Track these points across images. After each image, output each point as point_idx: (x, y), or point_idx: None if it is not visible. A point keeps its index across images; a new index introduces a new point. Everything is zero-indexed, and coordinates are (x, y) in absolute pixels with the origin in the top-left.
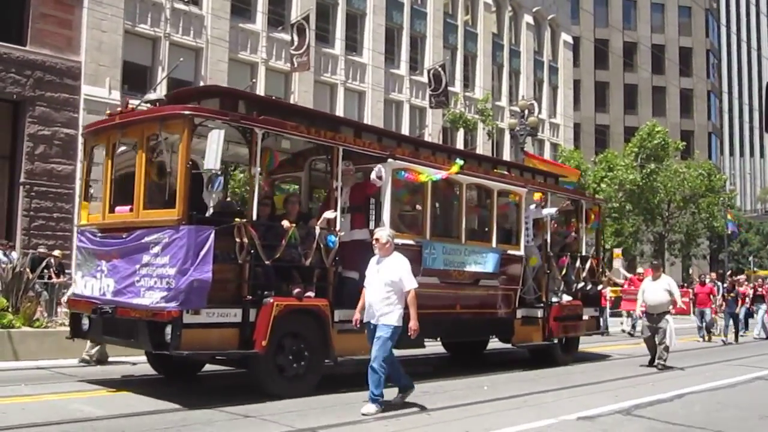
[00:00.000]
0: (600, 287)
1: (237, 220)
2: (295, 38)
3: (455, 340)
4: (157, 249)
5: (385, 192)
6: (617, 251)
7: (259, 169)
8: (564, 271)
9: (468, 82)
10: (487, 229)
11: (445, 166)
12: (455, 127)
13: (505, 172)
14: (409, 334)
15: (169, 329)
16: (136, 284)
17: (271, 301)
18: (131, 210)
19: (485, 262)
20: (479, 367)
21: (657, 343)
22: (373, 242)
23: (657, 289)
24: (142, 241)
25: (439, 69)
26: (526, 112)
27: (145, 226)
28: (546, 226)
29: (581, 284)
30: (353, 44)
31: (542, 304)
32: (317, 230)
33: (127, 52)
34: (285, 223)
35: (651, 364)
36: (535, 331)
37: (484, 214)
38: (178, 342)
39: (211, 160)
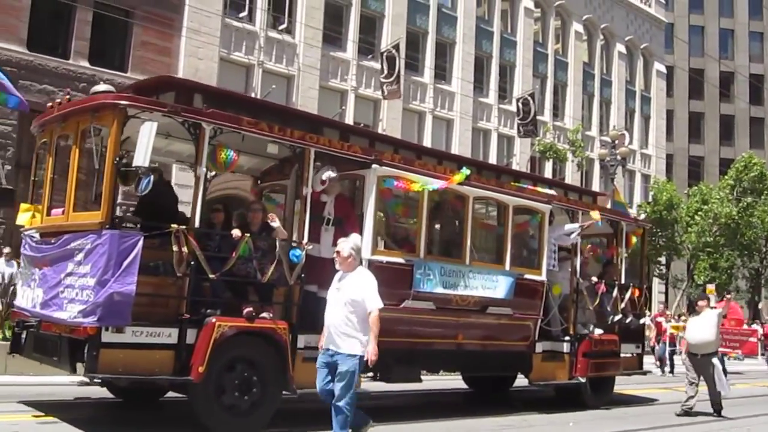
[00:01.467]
0: (642, 320)
1: (174, 226)
2: (385, 66)
3: (462, 374)
4: (80, 256)
5: (367, 202)
6: (710, 287)
7: (205, 169)
8: (597, 301)
9: (557, 111)
10: (499, 249)
11: (447, 175)
12: (545, 158)
13: (526, 186)
14: (365, 359)
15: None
16: (60, 295)
17: (213, 321)
18: (63, 212)
19: (495, 287)
20: (488, 406)
21: (708, 389)
22: (334, 255)
23: (702, 324)
24: (68, 247)
25: (528, 98)
26: (617, 142)
27: (73, 230)
28: (576, 248)
29: (618, 317)
30: (442, 72)
31: (569, 338)
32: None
33: (222, 79)
34: (235, 232)
35: (688, 412)
36: (559, 367)
37: (497, 233)
38: (94, 363)
39: (140, 157)
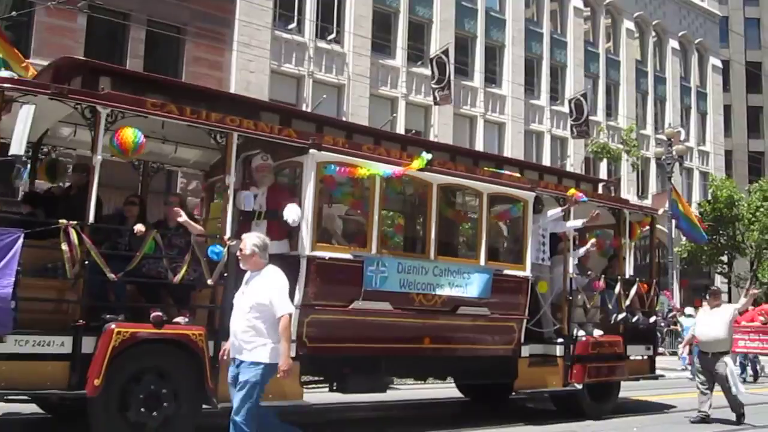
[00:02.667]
0: (653, 319)
1: (62, 221)
2: (435, 72)
3: (437, 380)
4: None
5: (305, 191)
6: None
7: (100, 157)
8: (595, 299)
9: (611, 111)
10: (473, 243)
11: (404, 161)
12: (598, 158)
13: (505, 172)
14: (278, 375)
15: None
16: None
17: (112, 327)
18: None
19: (467, 285)
20: (478, 416)
21: (723, 393)
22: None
23: (713, 321)
24: None
25: (581, 98)
26: (673, 140)
27: None
28: (571, 239)
29: (621, 315)
30: (492, 76)
31: (563, 340)
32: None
33: (273, 91)
34: (137, 227)
35: (705, 419)
36: (551, 373)
37: (470, 225)
38: None
39: (16, 144)
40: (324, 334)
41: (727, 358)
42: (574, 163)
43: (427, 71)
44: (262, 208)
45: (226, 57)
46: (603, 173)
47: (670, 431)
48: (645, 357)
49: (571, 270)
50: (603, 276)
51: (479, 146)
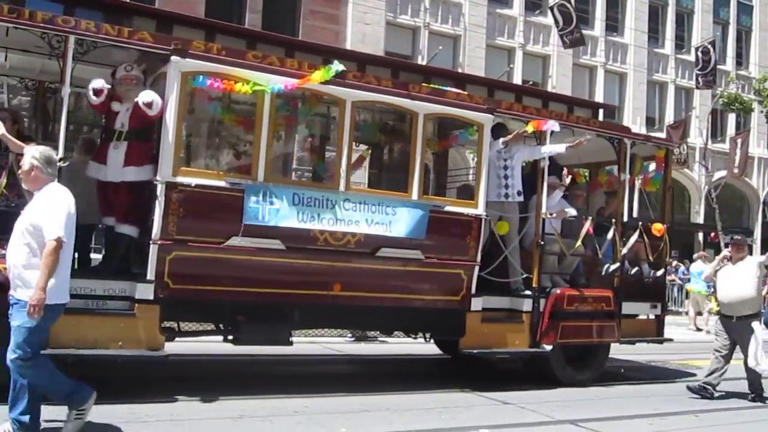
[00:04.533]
0: (661, 272)
1: None
2: (559, 20)
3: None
4: None
5: (167, 107)
6: None
7: None
8: (577, 245)
9: (741, 60)
10: (403, 173)
11: (304, 71)
12: (728, 110)
13: (450, 89)
14: (28, 313)
15: None
16: None
17: None
18: None
19: (392, 222)
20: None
21: (744, 364)
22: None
23: (737, 277)
24: None
25: (709, 46)
26: None
27: None
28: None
29: (614, 266)
30: (614, 24)
31: (531, 293)
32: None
33: (388, 43)
34: None
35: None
36: (513, 331)
37: (399, 150)
38: None
39: None
40: (194, 274)
41: (756, 324)
42: (699, 115)
43: (546, 20)
44: (123, 127)
45: (342, 10)
46: (731, 126)
47: (640, 407)
48: (650, 316)
49: (544, 209)
50: (591, 218)
51: (599, 98)
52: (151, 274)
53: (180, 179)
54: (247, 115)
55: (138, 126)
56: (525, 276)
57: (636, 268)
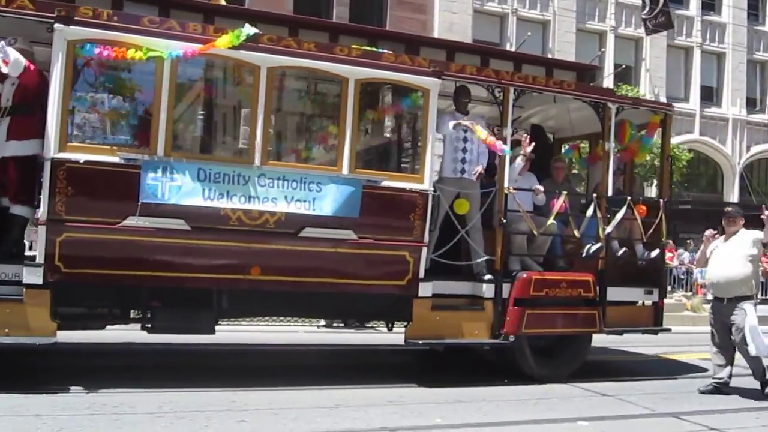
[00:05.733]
0: (656, 252)
1: None
2: (647, 1)
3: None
4: None
5: (53, 79)
6: None
7: None
8: (549, 223)
9: None
10: (331, 145)
11: (209, 35)
12: None
13: (385, 52)
14: None
15: None
16: None
17: None
18: None
19: (316, 200)
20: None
21: (740, 352)
22: None
23: (729, 254)
24: None
25: None
26: None
27: None
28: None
29: (596, 246)
30: (710, 2)
31: (493, 277)
32: None
33: (476, 31)
34: None
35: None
36: (471, 319)
37: (327, 122)
38: None
39: None
40: (89, 257)
41: (747, 305)
42: None
43: (637, 1)
44: (9, 102)
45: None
46: None
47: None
48: (644, 303)
49: (506, 183)
50: (565, 193)
51: (695, 80)
52: (40, 257)
53: (68, 155)
54: (145, 85)
55: (22, 99)
56: (487, 258)
57: (624, 249)
